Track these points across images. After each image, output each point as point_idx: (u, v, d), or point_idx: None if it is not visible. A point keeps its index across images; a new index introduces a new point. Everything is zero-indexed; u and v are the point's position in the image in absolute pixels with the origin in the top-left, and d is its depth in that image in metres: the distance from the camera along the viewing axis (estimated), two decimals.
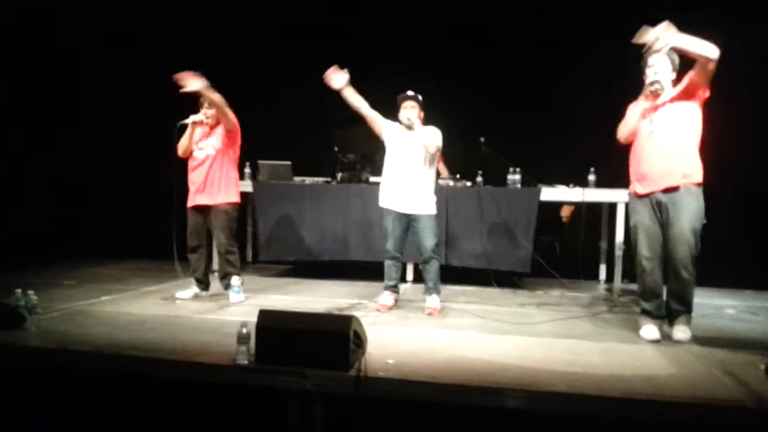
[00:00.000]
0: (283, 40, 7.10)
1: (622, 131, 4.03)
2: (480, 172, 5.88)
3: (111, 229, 6.97)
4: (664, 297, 3.94)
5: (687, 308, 3.89)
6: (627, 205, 4.23)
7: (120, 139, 7.15)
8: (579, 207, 5.83)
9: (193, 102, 4.75)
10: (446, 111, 5.72)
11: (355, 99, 4.56)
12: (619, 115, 5.59)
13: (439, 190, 5.17)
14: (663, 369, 3.31)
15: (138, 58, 6.84)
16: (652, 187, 3.87)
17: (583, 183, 5.64)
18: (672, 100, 3.85)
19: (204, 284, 4.91)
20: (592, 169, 5.63)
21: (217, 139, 4.76)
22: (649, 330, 3.90)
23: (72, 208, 6.94)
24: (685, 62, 3.80)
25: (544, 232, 5.93)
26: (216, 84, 4.61)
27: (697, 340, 3.86)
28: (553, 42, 6.53)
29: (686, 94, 3.81)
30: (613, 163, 5.65)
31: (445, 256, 5.56)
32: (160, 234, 5.94)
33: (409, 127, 4.51)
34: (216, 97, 4.59)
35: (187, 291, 4.85)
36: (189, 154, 4.80)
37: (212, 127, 4.78)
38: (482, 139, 5.81)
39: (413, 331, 4.02)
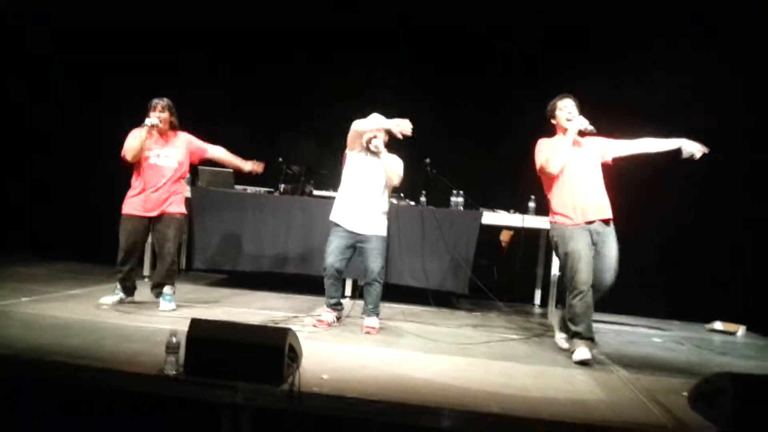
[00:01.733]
0: (231, 39, 7.00)
1: (558, 163, 4.13)
2: (424, 192, 5.92)
3: (38, 227, 6.66)
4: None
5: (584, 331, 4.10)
6: (553, 233, 4.26)
7: (57, 136, 6.85)
8: (518, 232, 5.93)
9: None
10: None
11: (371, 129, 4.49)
12: None
13: None
14: (593, 394, 3.37)
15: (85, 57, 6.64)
16: (592, 216, 4.08)
17: (524, 210, 5.75)
18: (587, 143, 4.23)
19: (130, 290, 4.73)
20: (532, 197, 5.74)
21: (180, 153, 4.68)
22: (584, 351, 3.98)
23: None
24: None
25: (484, 255, 6.00)
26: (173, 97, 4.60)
27: (625, 366, 3.99)
28: (502, 68, 6.68)
29: (598, 147, 4.25)
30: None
31: (385, 274, 5.53)
32: (88, 236, 5.73)
33: (375, 154, 4.48)
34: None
35: (112, 296, 4.65)
36: (138, 159, 4.59)
37: (162, 134, 4.64)
38: (427, 160, 5.86)
39: (350, 348, 3.97)
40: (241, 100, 6.80)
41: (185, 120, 4.80)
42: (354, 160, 4.58)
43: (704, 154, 4.13)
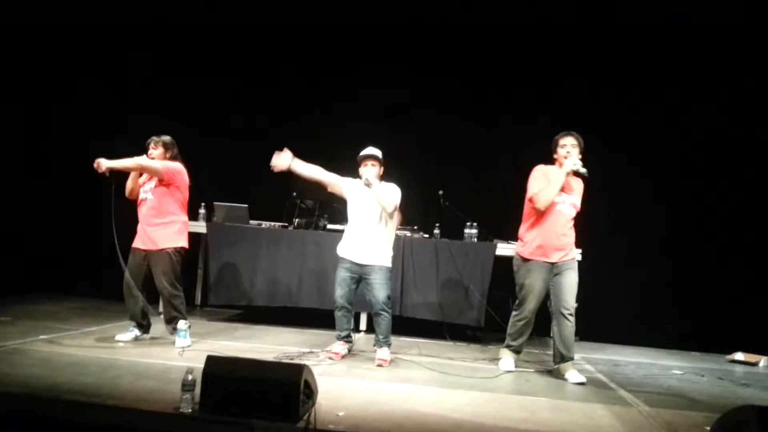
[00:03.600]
0: (246, 83, 7.10)
1: (546, 199, 4.35)
2: (437, 224, 5.92)
3: (49, 265, 6.70)
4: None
5: (572, 354, 4.46)
6: (516, 263, 4.58)
7: (64, 170, 6.93)
8: None
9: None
10: (406, 163, 5.80)
11: (306, 170, 4.61)
12: None
13: (396, 241, 5.17)
14: (613, 428, 3.31)
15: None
16: (554, 259, 4.42)
17: None
18: (573, 184, 4.49)
19: (144, 327, 4.74)
20: None
21: (155, 183, 4.70)
22: (509, 362, 4.58)
23: (6, 241, 6.64)
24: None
25: (499, 287, 5.95)
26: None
27: (646, 400, 3.91)
28: (516, 98, 6.71)
29: (579, 193, 4.52)
30: None
31: (399, 307, 5.52)
32: (101, 272, 5.75)
33: (368, 185, 4.54)
34: (129, 164, 4.57)
35: (127, 333, 4.67)
36: (135, 195, 4.72)
37: None
38: (441, 192, 5.87)
39: (365, 383, 3.94)
40: (255, 134, 6.87)
41: (195, 158, 4.86)
42: (351, 195, 4.67)
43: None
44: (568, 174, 4.37)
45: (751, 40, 5.94)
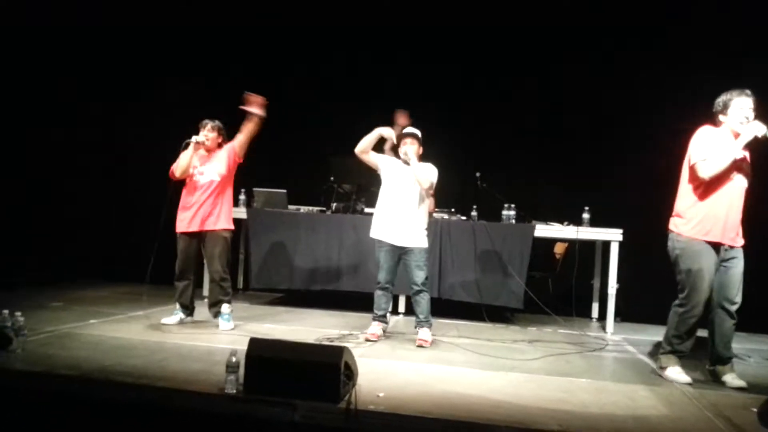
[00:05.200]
0: (284, 67, 7.15)
1: (714, 170, 3.70)
2: (475, 206, 5.90)
3: (96, 252, 6.90)
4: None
5: (732, 353, 3.91)
6: (679, 245, 3.86)
7: (103, 160, 7.11)
8: (572, 244, 5.84)
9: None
10: (444, 145, 5.79)
11: (373, 142, 4.64)
12: (607, 158, 5.59)
13: (434, 223, 5.19)
14: (655, 410, 3.28)
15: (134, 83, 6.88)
16: (723, 238, 3.78)
17: (578, 221, 5.66)
18: (748, 158, 3.82)
19: (189, 310, 4.87)
20: (586, 208, 5.66)
21: (221, 166, 4.75)
22: (679, 371, 3.87)
23: (52, 229, 6.84)
24: None
25: (537, 269, 5.92)
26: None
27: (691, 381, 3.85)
28: (551, 83, 6.63)
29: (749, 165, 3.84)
30: (603, 203, 5.75)
31: (437, 290, 5.54)
32: (146, 258, 5.91)
33: (406, 162, 4.56)
34: (257, 130, 4.77)
35: (172, 317, 4.80)
36: (186, 175, 4.77)
37: (209, 151, 4.79)
38: (478, 174, 5.84)
39: (404, 365, 3.98)
40: (292, 121, 6.93)
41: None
42: (388, 172, 4.69)
43: None
44: (750, 143, 3.70)
45: None
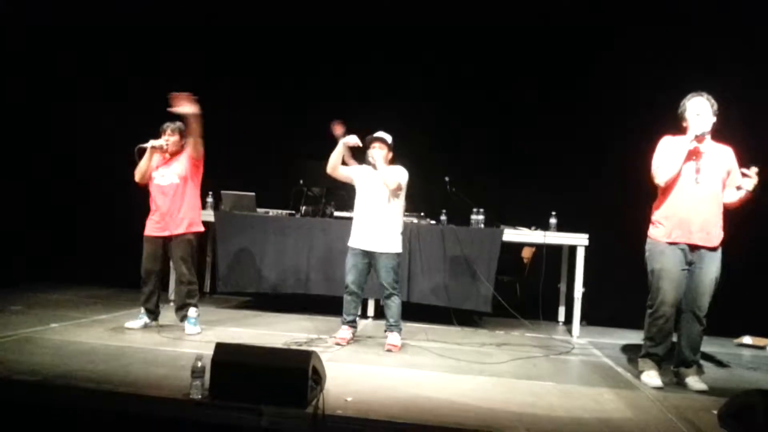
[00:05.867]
0: (254, 68, 7.09)
1: (666, 175, 3.83)
2: (444, 210, 5.93)
3: (58, 254, 6.75)
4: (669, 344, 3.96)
5: (698, 358, 3.99)
6: (648, 247, 3.99)
7: (70, 160, 6.95)
8: (540, 249, 5.90)
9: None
10: (413, 150, 5.79)
11: (340, 156, 4.63)
12: (578, 163, 5.68)
13: (404, 227, 5.17)
14: (620, 413, 3.33)
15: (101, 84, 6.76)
16: (690, 239, 3.83)
17: (545, 226, 5.72)
18: (714, 155, 3.87)
19: (154, 314, 4.79)
20: (553, 213, 5.73)
21: (181, 167, 4.69)
22: (653, 375, 3.91)
23: (17, 232, 6.64)
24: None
25: (506, 273, 5.97)
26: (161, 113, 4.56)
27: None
28: (521, 84, 6.68)
29: (727, 163, 3.88)
30: (569, 208, 5.82)
31: (407, 293, 5.54)
32: (109, 260, 5.80)
33: (374, 166, 4.57)
34: (199, 126, 4.54)
35: (136, 321, 4.72)
36: (147, 179, 4.71)
37: (172, 154, 4.72)
38: (447, 179, 5.87)
39: (373, 369, 3.97)
40: (261, 122, 6.87)
41: (205, 142, 4.86)
42: (359, 180, 4.71)
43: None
44: (694, 141, 3.79)
45: None
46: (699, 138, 3.82)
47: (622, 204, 5.75)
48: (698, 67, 5.53)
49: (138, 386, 3.22)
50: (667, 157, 3.87)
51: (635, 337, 5.58)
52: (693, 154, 3.84)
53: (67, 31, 6.77)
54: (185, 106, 4.39)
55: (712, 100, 3.87)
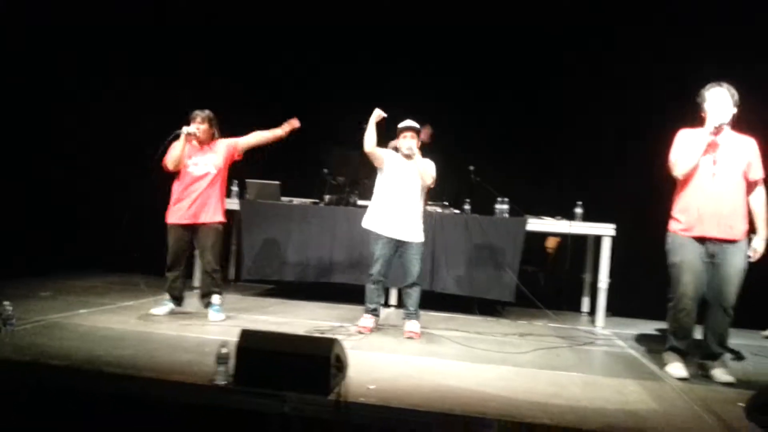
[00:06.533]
0: (276, 59, 7.11)
1: (684, 167, 3.80)
2: (468, 200, 5.90)
3: (86, 241, 6.85)
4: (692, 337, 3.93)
5: (726, 350, 3.93)
6: (668, 240, 3.95)
7: (95, 150, 6.99)
8: (564, 239, 5.85)
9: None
10: (437, 139, 5.78)
11: (374, 132, 4.59)
12: (604, 153, 5.59)
13: (427, 217, 5.17)
14: (645, 404, 3.30)
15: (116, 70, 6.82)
16: (710, 232, 3.78)
17: (570, 216, 5.67)
18: (734, 146, 3.82)
19: (179, 300, 4.85)
20: (578, 203, 5.66)
21: (218, 158, 4.73)
22: (678, 367, 3.87)
23: (42, 219, 6.74)
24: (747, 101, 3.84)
25: (529, 263, 5.93)
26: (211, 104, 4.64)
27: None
28: (545, 78, 6.62)
29: (747, 155, 3.82)
30: (597, 198, 5.76)
31: (429, 282, 5.54)
32: (136, 248, 5.85)
33: (409, 156, 4.55)
34: (271, 142, 4.96)
35: (162, 307, 4.77)
36: (180, 167, 4.73)
37: (202, 143, 4.75)
38: (471, 168, 5.84)
39: (395, 357, 3.98)
40: (287, 112, 6.89)
41: (229, 132, 4.90)
42: (388, 168, 4.66)
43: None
44: (714, 133, 3.75)
45: None
46: (717, 129, 3.75)
47: (648, 194, 5.65)
48: (730, 58, 5.42)
49: (163, 372, 3.27)
50: (684, 149, 3.82)
51: (660, 329, 5.54)
52: (710, 146, 3.78)
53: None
54: (288, 128, 4.95)
55: (733, 90, 3.80)
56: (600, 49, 6.43)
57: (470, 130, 6.79)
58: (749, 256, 3.84)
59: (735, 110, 3.80)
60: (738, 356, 4.65)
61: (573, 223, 5.62)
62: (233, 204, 5.96)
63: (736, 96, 3.80)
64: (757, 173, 3.85)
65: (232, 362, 3.07)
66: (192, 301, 4.95)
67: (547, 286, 6.12)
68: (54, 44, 6.76)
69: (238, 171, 5.80)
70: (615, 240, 5.52)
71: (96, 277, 6.25)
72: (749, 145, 3.86)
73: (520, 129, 6.72)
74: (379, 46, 6.93)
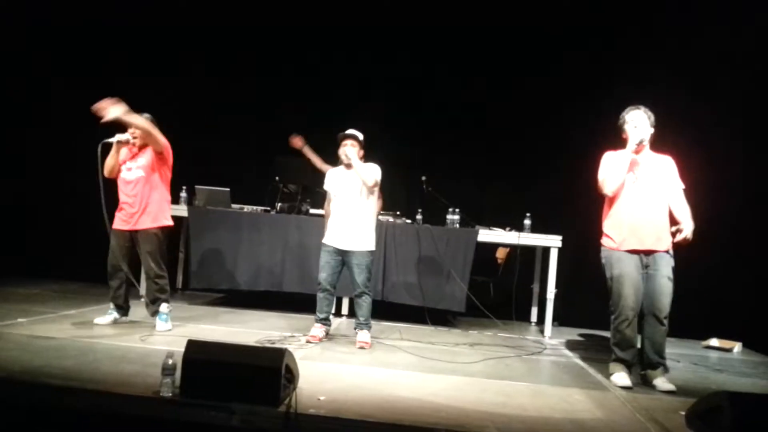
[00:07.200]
0: (231, 64, 7.02)
1: (612, 185, 3.99)
2: (420, 210, 5.94)
3: (32, 248, 6.61)
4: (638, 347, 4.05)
5: (664, 359, 4.05)
6: (604, 255, 4.10)
7: (46, 155, 6.79)
8: (514, 249, 5.94)
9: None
10: (390, 149, 5.80)
11: (313, 156, 4.62)
12: (549, 164, 5.71)
13: (379, 226, 5.19)
14: (590, 413, 3.36)
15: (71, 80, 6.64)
16: (641, 245, 3.96)
17: (519, 227, 5.76)
18: (653, 163, 4.05)
19: (124, 310, 4.72)
20: (527, 215, 5.77)
21: (146, 160, 4.60)
22: (622, 377, 3.96)
23: None
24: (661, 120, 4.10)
25: (480, 273, 6.01)
26: (138, 108, 4.46)
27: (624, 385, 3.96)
28: (498, 88, 6.72)
29: (668, 171, 4.07)
30: (544, 210, 5.87)
31: (381, 292, 5.55)
32: (83, 255, 5.67)
33: (348, 165, 4.56)
34: (139, 121, 4.41)
35: (106, 316, 4.64)
36: (116, 173, 4.62)
37: (141, 148, 4.63)
38: (423, 178, 5.89)
39: (346, 368, 3.96)
40: (238, 118, 6.82)
41: (177, 140, 4.78)
42: (333, 180, 4.73)
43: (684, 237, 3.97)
44: (635, 150, 3.98)
45: None
46: (639, 146, 4.00)
47: (594, 207, 5.82)
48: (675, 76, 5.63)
49: (107, 383, 3.16)
50: (610, 168, 4.04)
51: (606, 339, 5.67)
52: (632, 164, 4.01)
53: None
54: (111, 112, 4.20)
55: (649, 113, 4.06)
56: (552, 57, 6.55)
57: (422, 141, 6.83)
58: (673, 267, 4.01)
59: (652, 130, 4.04)
60: (686, 366, 4.81)
61: (522, 234, 5.72)
62: (182, 210, 5.85)
63: (653, 117, 4.05)
64: (679, 185, 4.10)
65: (178, 373, 2.99)
66: (139, 310, 4.81)
67: (497, 296, 6.21)
68: None
69: (188, 177, 5.71)
70: (562, 251, 5.64)
71: (34, 286, 6.01)
72: (667, 161, 4.11)
73: (471, 140, 6.78)
74: (329, 52, 6.90)
